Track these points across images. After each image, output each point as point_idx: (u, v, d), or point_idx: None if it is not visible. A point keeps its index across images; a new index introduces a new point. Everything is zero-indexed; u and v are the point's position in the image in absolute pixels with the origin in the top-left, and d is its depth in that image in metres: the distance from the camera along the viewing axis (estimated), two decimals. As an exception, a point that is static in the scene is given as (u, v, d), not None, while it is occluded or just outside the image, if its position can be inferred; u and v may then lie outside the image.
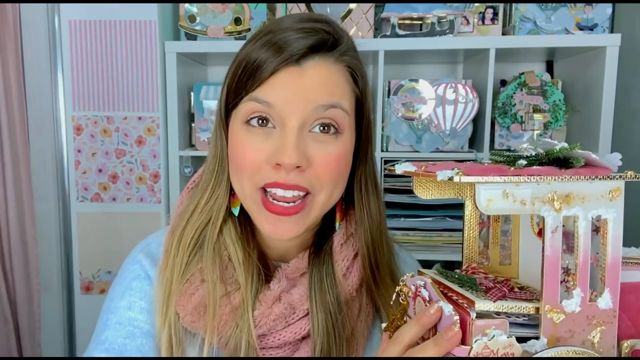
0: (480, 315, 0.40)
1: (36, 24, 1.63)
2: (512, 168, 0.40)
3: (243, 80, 0.59)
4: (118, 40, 1.53)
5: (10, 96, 1.61)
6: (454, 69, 1.73)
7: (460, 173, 0.38)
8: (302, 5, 1.47)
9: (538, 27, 1.44)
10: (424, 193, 0.48)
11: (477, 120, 1.49)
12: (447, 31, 1.44)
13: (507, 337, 0.39)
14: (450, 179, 0.39)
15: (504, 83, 1.58)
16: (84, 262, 1.62)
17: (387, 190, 1.48)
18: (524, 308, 0.40)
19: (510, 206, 0.39)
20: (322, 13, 1.47)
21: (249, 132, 0.59)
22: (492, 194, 0.39)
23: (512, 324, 0.41)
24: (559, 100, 1.49)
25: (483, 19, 1.47)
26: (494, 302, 0.40)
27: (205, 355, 0.60)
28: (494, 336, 0.39)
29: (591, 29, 1.42)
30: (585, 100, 1.48)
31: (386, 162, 1.47)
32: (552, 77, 1.56)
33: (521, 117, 1.49)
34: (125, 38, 1.53)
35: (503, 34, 1.48)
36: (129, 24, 1.53)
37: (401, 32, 1.45)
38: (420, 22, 1.46)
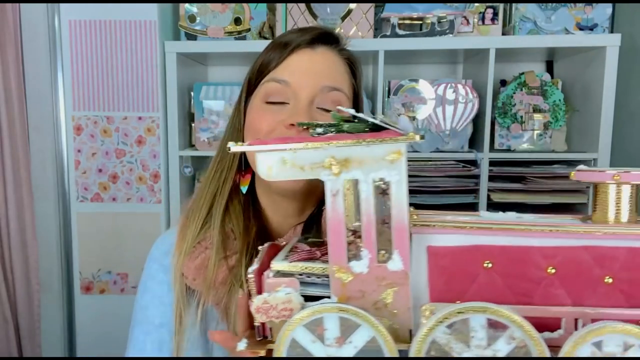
0: (285, 276, 0.43)
1: (36, 24, 1.63)
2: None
3: (267, 62, 0.70)
4: (118, 40, 1.53)
5: (10, 96, 1.61)
6: (454, 69, 1.73)
7: (240, 143, 0.41)
8: (302, 5, 1.47)
9: (538, 27, 1.44)
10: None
11: (477, 120, 1.49)
12: (447, 31, 1.44)
13: (288, 294, 0.41)
14: (228, 149, 0.41)
15: (504, 83, 1.58)
16: (84, 262, 1.62)
17: (387, 190, 1.48)
18: (315, 269, 0.43)
19: (290, 172, 0.41)
20: (321, 13, 1.47)
21: (267, 106, 0.68)
22: (271, 162, 0.41)
23: (312, 284, 0.43)
24: (559, 100, 1.49)
25: (483, 19, 1.47)
26: (290, 262, 0.43)
27: (200, 309, 0.66)
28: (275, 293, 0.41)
29: (591, 29, 1.42)
30: (585, 100, 1.48)
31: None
32: (552, 77, 1.56)
33: (521, 117, 1.49)
34: (125, 38, 1.53)
35: (503, 34, 1.48)
36: (129, 24, 1.53)
37: (401, 32, 1.45)
38: (420, 22, 1.46)
